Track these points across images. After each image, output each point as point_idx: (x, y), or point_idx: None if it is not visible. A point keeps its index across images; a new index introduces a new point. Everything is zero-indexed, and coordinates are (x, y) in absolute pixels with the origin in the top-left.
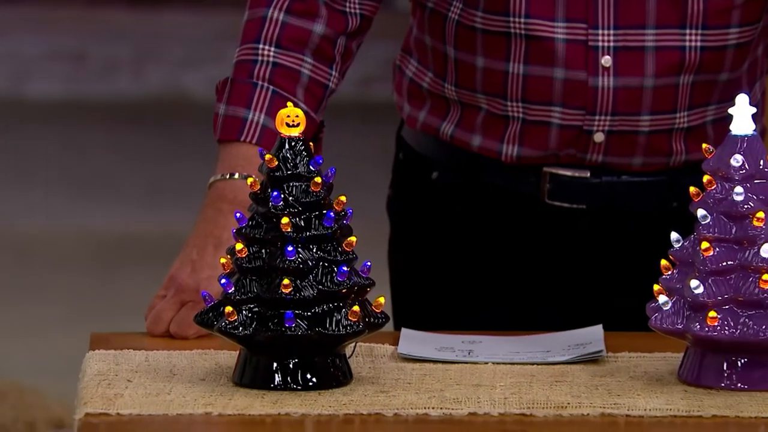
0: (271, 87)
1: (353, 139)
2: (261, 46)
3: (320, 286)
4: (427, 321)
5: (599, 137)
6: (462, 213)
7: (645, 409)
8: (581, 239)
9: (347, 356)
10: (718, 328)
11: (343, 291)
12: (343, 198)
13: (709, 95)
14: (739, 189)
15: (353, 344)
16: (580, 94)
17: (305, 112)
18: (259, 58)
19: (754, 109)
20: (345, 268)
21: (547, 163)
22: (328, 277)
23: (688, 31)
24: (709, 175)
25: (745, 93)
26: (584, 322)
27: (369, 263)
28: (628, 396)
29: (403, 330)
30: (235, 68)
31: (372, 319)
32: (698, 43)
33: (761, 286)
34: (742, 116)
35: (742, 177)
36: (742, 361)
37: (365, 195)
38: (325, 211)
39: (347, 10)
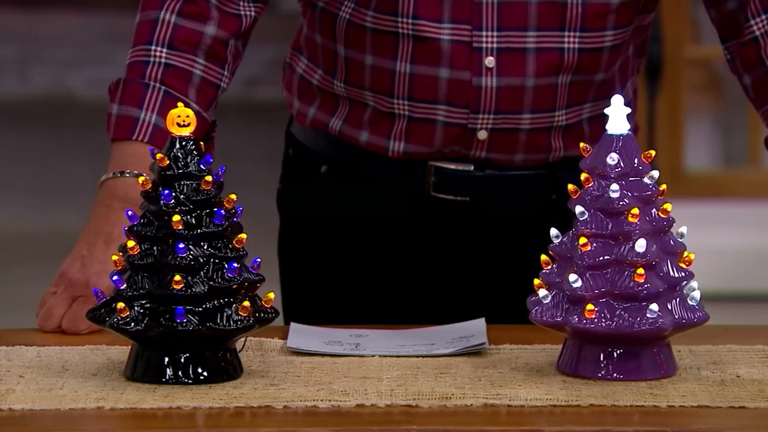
0: (163, 87)
1: (239, 138)
2: (153, 47)
3: (211, 282)
4: (316, 314)
5: (482, 135)
6: (350, 206)
7: (526, 399)
8: (465, 231)
9: (238, 350)
10: (596, 320)
11: (234, 287)
12: (233, 196)
13: (586, 94)
14: (615, 186)
15: (243, 339)
16: (464, 93)
17: (197, 112)
18: (151, 59)
19: (628, 110)
20: (235, 265)
21: (432, 157)
22: (219, 273)
23: (567, 34)
24: (587, 173)
25: (619, 92)
26: (469, 314)
27: (258, 259)
28: (509, 387)
29: (292, 324)
30: (127, 69)
31: (262, 314)
32: (576, 45)
33: (636, 279)
34: (617, 116)
35: (618, 175)
36: (618, 352)
37: (254, 193)
38: (215, 209)
39: (241, 12)
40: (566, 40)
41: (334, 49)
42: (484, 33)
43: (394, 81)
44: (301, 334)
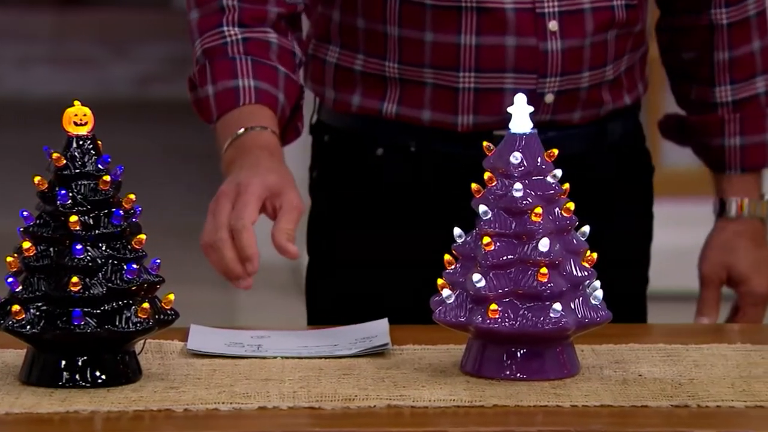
0: (249, 56)
1: (134, 138)
2: (226, 28)
3: (109, 284)
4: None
5: (549, 98)
6: (409, 185)
7: (429, 400)
8: None
9: (137, 353)
10: (499, 320)
11: (133, 288)
12: (131, 196)
13: (625, 47)
14: (518, 185)
15: (143, 341)
16: (531, 59)
17: (286, 75)
18: (228, 39)
19: (531, 108)
20: (134, 266)
21: (500, 127)
22: (117, 274)
23: None
24: (490, 172)
25: (644, 43)
26: None
27: (158, 261)
28: (413, 388)
29: (192, 326)
30: (205, 55)
31: (161, 316)
32: (623, 2)
33: (539, 279)
34: (520, 115)
35: (521, 174)
36: (521, 351)
37: (151, 192)
38: (113, 210)
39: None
40: None
41: (384, 30)
42: None
43: (460, 54)
44: (202, 336)
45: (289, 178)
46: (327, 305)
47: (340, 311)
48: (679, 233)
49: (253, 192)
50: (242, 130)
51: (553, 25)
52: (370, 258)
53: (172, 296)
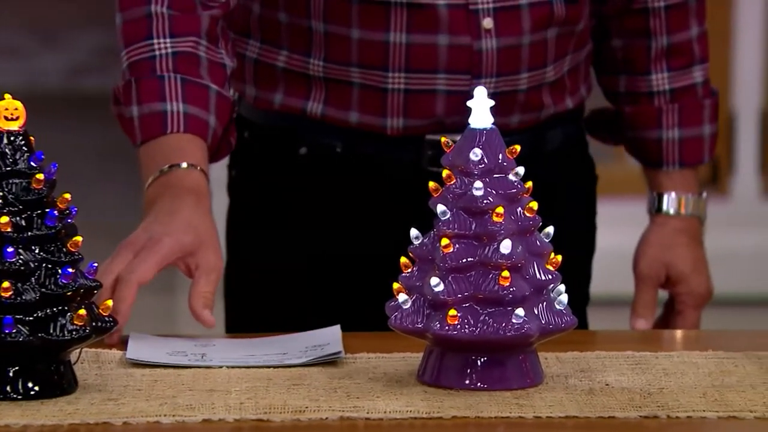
0: (179, 75)
1: (67, 133)
2: (155, 41)
3: (43, 289)
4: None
5: None
6: (332, 187)
7: (385, 412)
8: None
9: (72, 363)
10: (458, 326)
11: (68, 294)
12: (67, 195)
13: (567, 47)
14: (478, 184)
15: (78, 350)
16: (464, 58)
17: (217, 92)
18: (157, 52)
19: (492, 102)
20: (70, 270)
21: (431, 130)
22: (52, 279)
23: None
24: (448, 170)
25: (588, 43)
26: None
27: (95, 264)
28: (367, 398)
29: (132, 334)
30: (131, 70)
31: (99, 323)
32: None
33: (500, 282)
34: (480, 109)
35: (482, 171)
36: (482, 360)
37: (85, 191)
38: (47, 210)
39: None
40: None
41: (309, 25)
42: None
43: (389, 53)
44: (143, 344)
45: (210, 233)
46: (246, 311)
47: (259, 318)
48: (613, 235)
49: (158, 251)
50: (167, 166)
51: (487, 22)
52: (286, 261)
53: (110, 302)
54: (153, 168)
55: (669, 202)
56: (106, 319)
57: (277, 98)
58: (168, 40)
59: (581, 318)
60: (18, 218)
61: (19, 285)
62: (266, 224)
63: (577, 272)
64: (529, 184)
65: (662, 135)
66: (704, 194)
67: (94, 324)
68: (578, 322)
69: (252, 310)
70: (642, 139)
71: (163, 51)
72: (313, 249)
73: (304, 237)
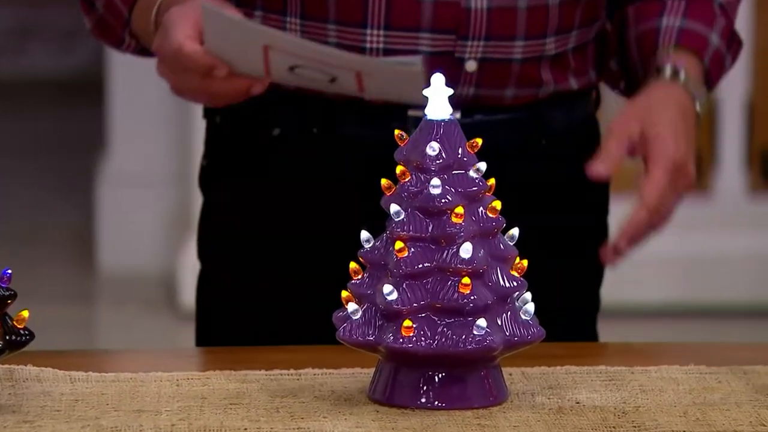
0: None
1: None
2: None
3: None
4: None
5: (471, 66)
6: (311, 169)
7: None
8: None
9: None
10: (414, 339)
11: None
12: None
13: (572, 18)
14: (436, 181)
15: None
16: (451, 16)
17: None
18: None
19: (450, 91)
20: None
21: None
22: None
23: None
24: (403, 166)
25: (599, 19)
26: None
27: (9, 271)
28: (312, 419)
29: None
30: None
31: (13, 337)
32: None
33: (461, 290)
34: (437, 98)
35: (439, 167)
36: (440, 376)
37: (2, 190)
38: None
39: None
40: None
41: None
42: None
43: (367, 8)
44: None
45: (178, 15)
46: (218, 320)
47: (232, 327)
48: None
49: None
50: (153, 16)
51: None
52: (261, 264)
53: (26, 313)
54: (147, 25)
55: (665, 69)
56: (22, 331)
57: None
58: None
59: (590, 328)
60: None
61: None
62: (239, 230)
63: (582, 300)
64: (492, 181)
65: (662, 23)
66: (708, 91)
67: (7, 338)
68: (586, 332)
69: (224, 323)
70: (640, 36)
71: None
72: (287, 253)
73: (278, 239)
